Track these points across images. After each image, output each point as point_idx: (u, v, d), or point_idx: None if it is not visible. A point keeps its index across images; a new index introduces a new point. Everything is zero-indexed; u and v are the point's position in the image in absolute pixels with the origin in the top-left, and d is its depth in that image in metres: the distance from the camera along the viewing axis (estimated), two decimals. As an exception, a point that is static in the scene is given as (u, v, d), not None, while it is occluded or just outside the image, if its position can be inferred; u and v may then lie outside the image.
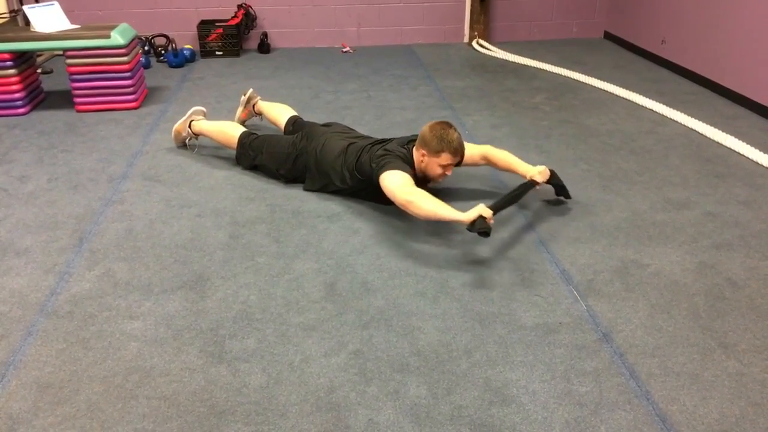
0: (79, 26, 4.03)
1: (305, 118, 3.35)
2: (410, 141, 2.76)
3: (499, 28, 5.86)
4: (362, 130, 3.23)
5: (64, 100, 4.17)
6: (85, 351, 1.95)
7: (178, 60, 5.09)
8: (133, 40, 4.04)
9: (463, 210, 2.35)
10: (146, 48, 5.28)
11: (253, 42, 5.65)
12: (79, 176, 3.13)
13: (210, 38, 5.36)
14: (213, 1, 5.51)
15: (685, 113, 3.84)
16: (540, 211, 2.76)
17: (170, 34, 5.40)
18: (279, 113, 3.40)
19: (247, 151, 3.08)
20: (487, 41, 5.71)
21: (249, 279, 2.30)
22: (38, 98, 4.18)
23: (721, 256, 2.42)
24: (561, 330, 2.03)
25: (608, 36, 5.91)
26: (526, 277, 2.30)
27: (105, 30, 3.86)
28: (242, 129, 3.19)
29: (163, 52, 5.29)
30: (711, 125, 3.63)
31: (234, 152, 3.17)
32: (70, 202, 2.87)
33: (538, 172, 2.72)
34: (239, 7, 5.47)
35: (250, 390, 1.80)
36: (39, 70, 4.42)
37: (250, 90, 3.61)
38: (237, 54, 5.43)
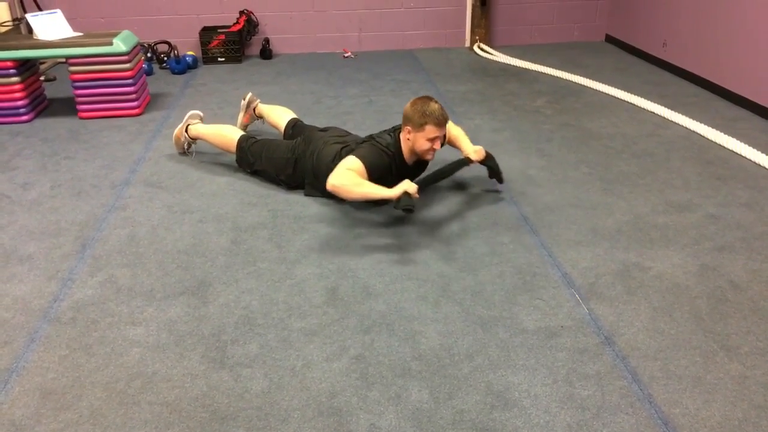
0: (81, 34, 4.05)
1: (307, 124, 3.35)
2: (396, 128, 2.80)
3: (500, 32, 5.87)
4: (363, 135, 3.22)
5: (67, 107, 4.19)
6: (88, 357, 1.96)
7: (181, 66, 5.11)
8: (135, 47, 4.06)
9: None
10: (149, 55, 5.31)
11: (255, 48, 5.67)
12: (82, 183, 3.14)
13: (212, 45, 5.38)
14: (215, 7, 5.54)
15: (686, 116, 3.84)
16: (541, 214, 2.76)
17: (172, 41, 5.43)
18: (279, 116, 3.41)
19: (247, 156, 3.09)
20: (488, 45, 5.72)
21: (251, 284, 2.30)
22: (41, 105, 4.20)
23: (723, 259, 2.42)
24: (563, 334, 2.03)
25: (609, 39, 5.92)
26: (528, 281, 2.30)
27: (107, 37, 3.88)
28: (241, 132, 3.19)
29: (165, 58, 5.31)
30: (712, 127, 3.63)
31: (234, 157, 3.17)
32: (73, 208, 2.88)
33: (474, 151, 2.83)
34: (241, 13, 5.49)
35: (252, 395, 1.80)
36: (42, 78, 4.44)
37: (249, 94, 3.62)
38: (239, 60, 5.45)
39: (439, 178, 2.72)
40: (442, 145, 2.72)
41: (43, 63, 4.98)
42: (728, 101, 4.17)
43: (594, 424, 1.69)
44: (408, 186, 2.46)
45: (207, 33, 5.40)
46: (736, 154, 3.36)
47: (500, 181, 2.94)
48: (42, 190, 3.08)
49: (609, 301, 2.18)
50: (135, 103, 4.05)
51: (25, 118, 3.97)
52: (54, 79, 4.87)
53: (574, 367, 1.89)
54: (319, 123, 3.52)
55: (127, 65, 3.90)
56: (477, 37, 5.75)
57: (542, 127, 3.80)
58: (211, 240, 2.60)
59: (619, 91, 4.35)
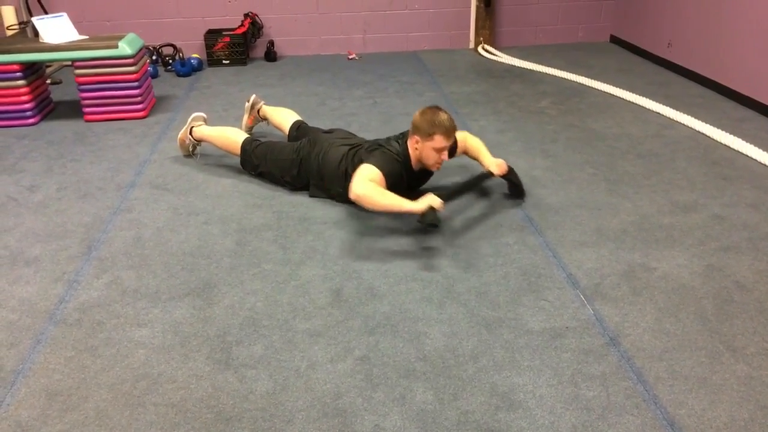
0: (87, 37, 4.07)
1: (311, 125, 3.36)
2: (404, 135, 2.77)
3: (505, 33, 5.87)
4: (368, 137, 3.23)
5: (72, 110, 4.21)
6: (94, 358, 1.96)
7: (186, 69, 5.13)
8: (140, 50, 4.08)
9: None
10: (154, 58, 5.33)
11: (260, 50, 5.68)
12: (87, 185, 3.15)
13: (217, 47, 5.39)
14: (219, 10, 5.56)
15: (691, 116, 3.82)
16: (546, 215, 2.76)
17: (177, 44, 5.44)
18: (283, 118, 3.42)
19: (251, 158, 3.10)
20: (492, 46, 5.72)
21: (256, 286, 2.31)
22: (47, 108, 4.22)
23: (729, 259, 2.41)
24: (568, 334, 2.02)
25: (614, 39, 5.91)
26: (533, 282, 2.30)
27: (113, 40, 3.89)
28: (245, 135, 3.20)
29: (170, 61, 5.33)
30: (718, 128, 3.62)
31: (239, 159, 3.18)
32: (79, 210, 2.90)
33: (496, 165, 2.79)
34: (246, 16, 5.50)
35: (256, 396, 1.80)
36: (48, 81, 4.46)
37: (254, 96, 3.63)
38: (244, 62, 5.47)
39: (462, 192, 2.63)
40: (451, 156, 2.71)
41: (49, 66, 5.00)
42: (734, 101, 4.16)
43: (599, 425, 1.68)
44: (433, 200, 2.39)
45: (212, 36, 5.41)
46: (742, 154, 3.34)
47: (521, 196, 2.88)
48: (48, 192, 3.09)
49: (614, 302, 2.18)
50: (140, 106, 4.06)
51: (31, 121, 3.99)
52: (60, 82, 4.90)
53: (579, 367, 1.88)
54: (324, 125, 3.53)
55: (133, 68, 3.91)
56: (481, 39, 5.75)
57: (547, 128, 3.80)
58: (216, 242, 2.61)
59: (624, 91, 4.34)
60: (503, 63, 5.34)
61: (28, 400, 1.80)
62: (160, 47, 5.40)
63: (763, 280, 2.28)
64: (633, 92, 4.30)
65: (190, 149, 3.41)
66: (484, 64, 5.34)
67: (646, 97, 4.20)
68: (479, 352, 1.95)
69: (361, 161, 2.66)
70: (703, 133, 3.64)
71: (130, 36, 4.03)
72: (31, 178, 3.25)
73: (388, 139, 2.82)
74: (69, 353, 1.99)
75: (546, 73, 4.95)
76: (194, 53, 5.50)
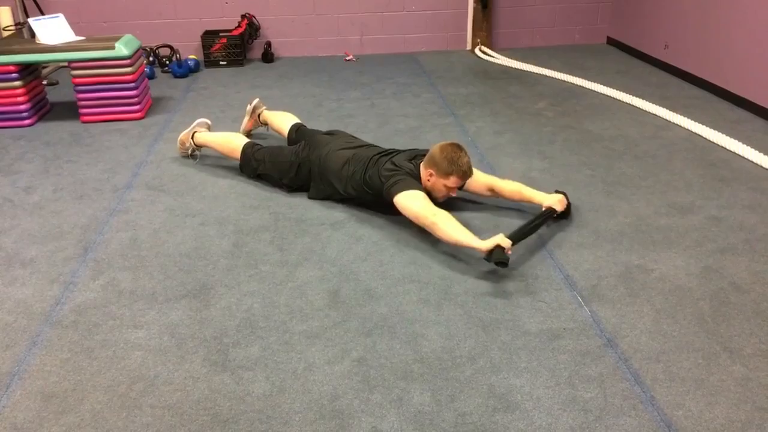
0: (83, 38, 4.06)
1: (309, 127, 3.36)
2: (416, 156, 2.75)
3: (502, 35, 5.87)
4: (366, 138, 3.23)
5: (69, 111, 4.20)
6: (90, 360, 1.96)
7: (183, 70, 5.12)
8: (137, 50, 4.07)
9: (484, 237, 2.36)
10: (151, 59, 5.32)
11: (257, 51, 5.68)
12: (84, 186, 3.15)
13: (214, 48, 5.39)
14: (217, 11, 5.55)
15: (688, 117, 3.83)
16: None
17: (174, 45, 5.43)
18: (282, 121, 3.42)
19: (251, 161, 3.09)
20: (489, 48, 5.73)
21: (253, 287, 2.30)
22: (44, 109, 4.21)
23: (726, 261, 2.41)
24: (565, 336, 2.02)
25: (611, 41, 5.92)
26: (530, 283, 2.30)
27: (109, 41, 3.89)
28: (246, 140, 3.20)
29: (167, 62, 5.32)
30: (715, 129, 3.62)
31: (237, 162, 3.18)
32: (76, 212, 2.89)
33: (558, 201, 2.67)
34: (243, 17, 5.50)
35: (253, 398, 1.80)
36: (44, 82, 4.45)
37: (256, 99, 3.62)
38: (241, 63, 5.46)
39: (529, 233, 2.52)
40: (459, 189, 2.70)
41: (46, 67, 4.99)
42: (730, 103, 4.17)
43: (596, 426, 1.68)
44: (501, 240, 2.31)
45: (209, 37, 5.41)
46: (739, 155, 3.35)
47: (566, 216, 2.76)
48: (44, 193, 3.08)
49: (611, 303, 2.18)
50: (137, 107, 4.05)
51: (27, 122, 3.98)
52: (56, 83, 4.88)
53: (576, 369, 1.88)
54: (322, 126, 3.52)
55: (129, 69, 3.91)
56: (478, 40, 5.76)
57: (544, 130, 3.80)
58: (212, 243, 2.60)
59: (621, 93, 4.35)
60: (500, 64, 5.35)
61: (24, 403, 1.80)
62: (157, 48, 5.39)
63: (760, 281, 2.28)
64: (630, 94, 4.31)
65: (189, 152, 3.41)
66: (481, 66, 5.34)
67: (643, 98, 4.21)
68: (476, 354, 1.95)
69: (381, 182, 2.62)
70: (699, 135, 3.64)
71: (127, 37, 4.02)
72: (27, 179, 3.24)
73: (395, 153, 2.80)
74: (65, 355, 1.98)
75: (543, 75, 4.95)
76: (191, 54, 5.49)
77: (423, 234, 2.62)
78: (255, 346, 2.00)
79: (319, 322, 2.11)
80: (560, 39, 5.95)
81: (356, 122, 3.97)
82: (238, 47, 5.40)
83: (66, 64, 3.96)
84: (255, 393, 1.81)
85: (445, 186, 2.62)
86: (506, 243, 2.31)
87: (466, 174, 2.62)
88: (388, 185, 2.60)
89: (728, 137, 3.49)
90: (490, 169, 3.21)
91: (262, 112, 3.59)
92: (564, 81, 4.77)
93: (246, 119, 3.63)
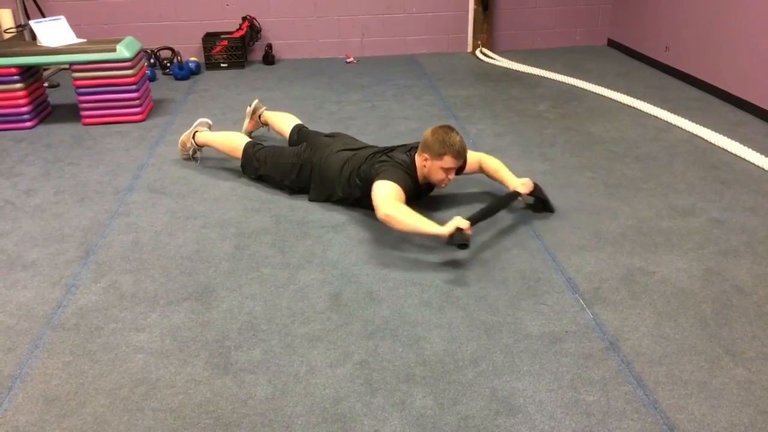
0: (85, 40, 4.06)
1: (310, 129, 3.36)
2: (413, 148, 2.77)
3: (503, 37, 5.87)
4: (366, 140, 3.23)
5: (70, 113, 4.20)
6: (92, 363, 1.95)
7: (184, 72, 5.12)
8: (138, 53, 4.07)
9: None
10: (152, 61, 5.32)
11: (258, 54, 5.68)
12: (85, 189, 3.15)
13: (215, 50, 5.39)
14: (218, 13, 5.55)
15: (689, 120, 3.83)
16: (545, 220, 2.76)
17: (175, 47, 5.44)
18: (284, 122, 3.41)
19: (252, 162, 3.09)
20: (490, 50, 5.73)
21: (254, 290, 2.30)
22: (45, 112, 4.21)
23: (728, 263, 2.41)
24: (567, 339, 2.02)
25: (612, 43, 5.92)
26: (532, 286, 2.29)
27: (111, 43, 3.89)
28: (247, 139, 3.20)
29: (168, 64, 5.32)
30: (716, 131, 3.62)
31: (239, 163, 3.18)
32: (77, 214, 2.89)
33: (522, 184, 2.74)
34: (244, 19, 5.50)
35: (255, 401, 1.79)
36: (46, 84, 4.45)
37: (256, 100, 3.63)
38: (242, 66, 5.47)
39: (488, 214, 2.59)
40: (457, 173, 2.71)
41: (47, 69, 4.99)
42: (731, 105, 4.17)
43: (599, 429, 1.68)
44: (460, 222, 2.35)
45: (210, 39, 5.41)
46: (740, 158, 3.35)
47: (551, 210, 2.82)
48: (45, 196, 3.08)
49: (613, 306, 2.18)
50: (138, 109, 4.05)
51: (28, 124, 3.98)
52: (57, 85, 4.89)
53: (578, 372, 1.88)
54: (323, 128, 3.52)
55: (131, 71, 3.91)
56: (479, 42, 5.76)
57: (545, 132, 3.80)
58: (214, 246, 2.60)
59: (622, 95, 4.35)
60: (501, 66, 5.35)
61: (26, 406, 1.79)
62: (158, 50, 5.40)
63: (762, 284, 2.28)
64: (631, 96, 4.31)
65: (191, 153, 3.41)
66: (482, 68, 5.34)
67: (644, 100, 4.21)
68: (479, 357, 1.95)
69: (371, 173, 2.64)
70: (700, 137, 3.64)
71: (128, 39, 4.03)
72: (28, 181, 3.24)
73: (393, 149, 2.80)
74: (67, 358, 1.98)
75: (544, 77, 4.95)
76: (192, 56, 5.50)
77: (424, 237, 2.62)
78: (257, 349, 2.00)
79: (321, 325, 2.11)
80: (561, 41, 5.95)
81: (357, 124, 3.97)
82: (239, 49, 5.40)
83: (67, 66, 3.96)
84: (257, 396, 1.81)
85: (442, 168, 2.61)
86: (464, 224, 2.36)
87: (460, 153, 2.60)
88: (375, 174, 2.61)
89: (729, 139, 3.49)
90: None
91: (262, 112, 3.59)
92: (565, 83, 4.77)
93: (246, 121, 3.63)
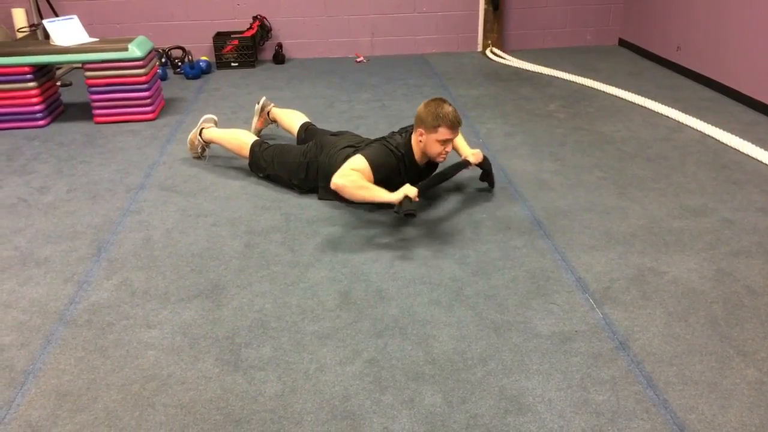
0: (97, 39, 4.09)
1: (318, 127, 3.37)
2: (407, 129, 2.82)
3: (513, 36, 5.86)
4: (376, 139, 3.24)
5: (82, 112, 4.24)
6: (103, 359, 1.97)
7: (195, 72, 5.15)
8: (150, 52, 4.10)
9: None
10: (163, 60, 5.35)
11: (268, 53, 5.70)
12: (97, 187, 3.17)
13: (226, 50, 5.41)
14: (228, 13, 5.58)
15: (701, 120, 3.81)
16: (554, 219, 2.75)
17: (186, 46, 5.46)
18: (292, 120, 3.43)
19: (259, 161, 3.11)
20: (500, 50, 5.72)
21: (264, 288, 2.31)
22: (57, 110, 4.24)
23: (740, 264, 2.40)
24: (577, 338, 2.02)
25: (623, 43, 5.89)
26: (542, 285, 2.29)
27: (123, 43, 3.92)
28: (254, 137, 3.21)
29: (179, 64, 5.35)
30: (728, 131, 3.60)
31: (246, 161, 3.19)
32: (89, 212, 2.91)
33: (472, 154, 2.86)
34: (254, 18, 5.52)
35: (265, 398, 1.80)
36: (58, 83, 4.49)
37: (263, 98, 3.64)
38: (252, 65, 5.49)
39: (439, 181, 2.75)
40: None
41: (60, 68, 5.03)
42: (744, 105, 4.14)
43: (609, 429, 1.68)
44: (408, 190, 2.49)
45: (221, 38, 5.43)
46: (752, 158, 3.33)
47: (491, 185, 3.00)
48: (58, 193, 3.11)
49: (623, 306, 2.17)
50: (150, 108, 4.08)
51: (41, 122, 4.01)
52: (70, 84, 4.93)
53: (588, 372, 1.88)
54: (332, 127, 3.53)
55: (142, 70, 3.93)
56: (489, 42, 5.75)
57: (555, 131, 3.79)
58: (224, 243, 2.62)
59: (633, 94, 4.33)
60: (511, 66, 5.34)
61: (39, 401, 1.81)
62: (169, 50, 5.43)
63: (774, 284, 2.27)
64: (642, 95, 4.29)
65: (199, 150, 3.43)
66: (492, 67, 5.33)
67: (655, 100, 4.19)
68: (488, 356, 1.95)
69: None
70: (712, 137, 3.62)
71: (140, 38, 4.05)
72: (41, 179, 3.27)
73: (393, 133, 2.85)
74: (79, 354, 2.00)
75: (554, 77, 4.94)
76: (203, 56, 5.52)
77: (434, 235, 2.63)
78: (267, 346, 2.01)
79: (331, 322, 2.12)
80: (571, 40, 5.93)
81: (367, 123, 3.98)
82: (249, 49, 5.42)
83: (80, 65, 3.99)
84: (267, 393, 1.82)
85: (437, 141, 2.65)
86: (412, 192, 2.48)
87: (454, 123, 2.64)
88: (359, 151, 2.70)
89: (741, 139, 3.47)
90: (500, 171, 3.21)
91: (270, 109, 3.61)
92: (575, 83, 4.76)
93: (255, 119, 3.64)
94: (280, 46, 5.60)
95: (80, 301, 2.26)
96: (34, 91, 3.92)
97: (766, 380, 1.83)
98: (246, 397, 1.81)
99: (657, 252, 2.49)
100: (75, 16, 4.15)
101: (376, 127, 3.91)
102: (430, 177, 2.72)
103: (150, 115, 4.09)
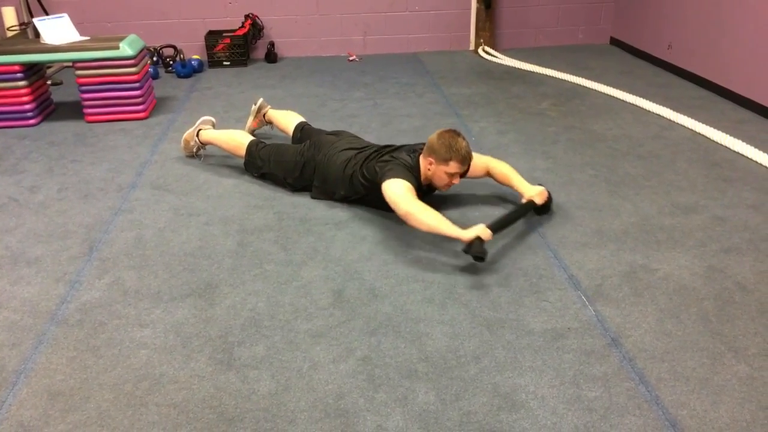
0: (88, 38, 4.07)
1: (313, 126, 3.36)
2: (415, 150, 2.76)
3: (505, 35, 5.87)
4: (369, 138, 3.24)
5: (73, 110, 4.21)
6: (96, 359, 1.96)
7: (186, 70, 5.13)
8: (141, 51, 4.08)
9: (464, 225, 2.37)
10: (155, 59, 5.33)
11: (261, 52, 5.69)
12: (88, 186, 3.16)
13: (217, 48, 5.40)
14: (220, 11, 5.56)
15: (692, 118, 3.83)
16: (547, 217, 2.76)
17: (178, 45, 5.44)
18: (288, 120, 3.43)
19: (255, 160, 3.10)
20: (492, 48, 5.73)
21: (257, 286, 2.31)
22: (48, 109, 4.22)
23: (730, 260, 2.42)
24: (569, 335, 2.03)
25: (614, 42, 5.92)
26: (534, 283, 2.30)
27: (114, 41, 3.90)
28: (250, 137, 3.21)
29: (171, 62, 5.33)
30: (718, 129, 3.62)
31: (241, 160, 3.19)
32: (80, 211, 2.90)
33: (537, 194, 2.70)
34: (246, 17, 5.51)
35: (259, 397, 1.80)
36: (49, 82, 4.46)
37: (261, 99, 3.63)
38: (244, 64, 5.47)
39: (508, 224, 2.56)
40: (462, 176, 2.68)
41: (50, 67, 5.00)
42: (734, 103, 4.16)
43: (601, 425, 1.69)
44: (482, 232, 2.33)
45: (212, 37, 5.42)
46: (742, 155, 3.35)
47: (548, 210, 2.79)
48: (49, 193, 3.09)
49: (616, 303, 2.18)
50: (141, 107, 4.06)
51: (32, 121, 3.99)
52: (61, 83, 4.90)
53: (580, 368, 1.89)
54: (325, 126, 3.53)
55: (134, 69, 3.92)
56: (481, 40, 5.76)
57: (547, 130, 3.80)
58: (217, 242, 2.61)
59: (624, 93, 4.35)
60: (503, 65, 5.35)
61: (30, 401, 1.80)
62: (161, 48, 5.41)
63: (765, 281, 2.28)
64: (633, 94, 4.31)
65: (194, 151, 3.42)
66: (484, 66, 5.34)
67: (647, 98, 4.21)
68: (481, 353, 1.95)
69: (376, 173, 2.64)
70: (703, 135, 3.64)
71: (131, 37, 4.04)
72: (32, 178, 3.25)
73: (396, 149, 2.80)
74: (71, 353, 1.99)
75: (546, 75, 4.95)
76: (195, 54, 5.50)
77: (428, 234, 2.63)
78: (260, 345, 2.01)
79: (324, 321, 2.12)
80: (563, 39, 5.95)
81: (359, 122, 3.98)
82: (241, 47, 5.41)
83: (70, 64, 3.97)
84: (260, 391, 1.82)
85: (446, 173, 2.61)
86: (486, 234, 2.34)
87: (466, 158, 2.59)
88: (381, 174, 2.60)
89: (732, 137, 3.49)
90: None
91: (267, 111, 3.60)
92: (567, 81, 4.77)
93: (251, 119, 3.63)
94: (272, 44, 5.59)
95: (72, 301, 2.25)
96: (24, 90, 3.89)
97: (757, 376, 1.85)
98: (239, 396, 1.81)
99: (649, 249, 2.50)
100: (65, 15, 4.13)
101: (368, 125, 3.91)
102: (499, 220, 2.51)
103: (141, 114, 4.08)
